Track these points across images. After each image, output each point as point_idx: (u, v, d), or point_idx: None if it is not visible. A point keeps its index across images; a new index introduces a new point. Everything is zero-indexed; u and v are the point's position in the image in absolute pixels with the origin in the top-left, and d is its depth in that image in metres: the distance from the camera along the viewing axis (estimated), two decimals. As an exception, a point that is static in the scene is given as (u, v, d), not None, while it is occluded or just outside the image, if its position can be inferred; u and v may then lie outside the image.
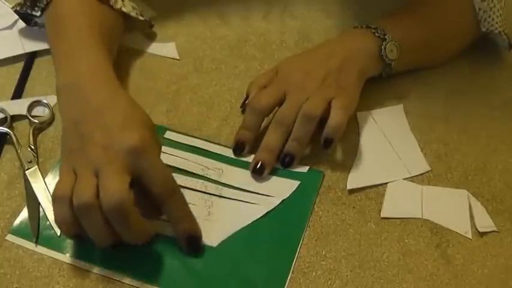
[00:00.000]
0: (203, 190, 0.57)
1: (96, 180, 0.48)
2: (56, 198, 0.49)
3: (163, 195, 0.50)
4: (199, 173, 0.58)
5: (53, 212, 0.49)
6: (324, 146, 0.57)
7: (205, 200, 0.56)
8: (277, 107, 0.59)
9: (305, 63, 0.62)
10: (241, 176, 0.58)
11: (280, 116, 0.58)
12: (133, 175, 0.49)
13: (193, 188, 0.57)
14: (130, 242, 0.50)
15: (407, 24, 0.65)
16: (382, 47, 0.62)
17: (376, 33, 0.62)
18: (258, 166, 0.58)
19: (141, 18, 0.67)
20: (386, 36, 0.62)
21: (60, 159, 0.52)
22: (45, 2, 0.62)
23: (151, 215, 0.52)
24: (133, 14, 0.65)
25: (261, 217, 0.55)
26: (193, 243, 0.52)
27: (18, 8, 0.65)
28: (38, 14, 0.63)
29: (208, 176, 0.58)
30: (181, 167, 0.58)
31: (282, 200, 0.57)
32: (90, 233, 0.49)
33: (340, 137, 0.57)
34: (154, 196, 0.50)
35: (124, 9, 0.64)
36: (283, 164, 0.59)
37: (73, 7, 0.60)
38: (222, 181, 0.58)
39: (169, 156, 0.59)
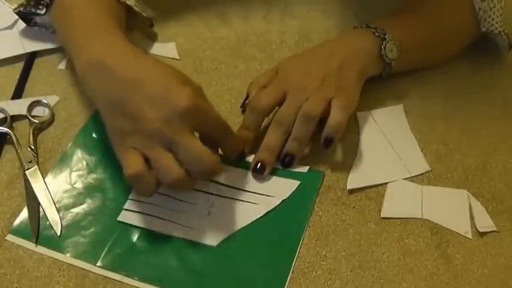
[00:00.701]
0: (203, 189, 0.57)
1: (171, 153, 0.50)
2: (134, 177, 0.50)
3: (222, 135, 0.55)
4: (200, 173, 0.58)
5: (134, 190, 0.55)
6: (324, 145, 0.57)
7: (205, 200, 0.56)
8: (277, 107, 0.59)
9: (305, 63, 0.62)
10: (241, 176, 0.58)
11: (280, 115, 0.58)
12: (195, 130, 0.52)
13: (194, 187, 0.57)
14: None
15: (407, 23, 0.65)
16: (382, 46, 0.62)
17: (376, 33, 0.62)
18: (258, 166, 0.58)
19: (143, 14, 0.67)
20: (386, 36, 0.62)
21: (114, 145, 0.52)
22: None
23: None
24: (136, 8, 0.65)
25: (261, 217, 0.55)
26: (243, 157, 0.59)
27: (21, 9, 0.65)
28: (43, 12, 0.63)
29: (208, 176, 0.58)
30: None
31: (282, 200, 0.57)
32: (177, 190, 0.56)
33: (340, 136, 0.57)
34: (212, 137, 0.54)
35: (128, 2, 0.64)
36: (283, 164, 0.59)
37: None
38: (222, 181, 0.58)
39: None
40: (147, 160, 0.50)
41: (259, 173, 0.58)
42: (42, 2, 0.63)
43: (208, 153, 0.50)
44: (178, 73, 0.53)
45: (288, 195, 0.57)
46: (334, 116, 0.57)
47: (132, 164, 0.50)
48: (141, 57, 0.54)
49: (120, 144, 0.51)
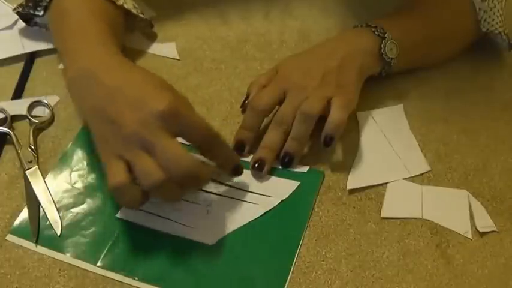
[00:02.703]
0: (202, 188, 0.57)
1: (151, 156, 0.48)
2: (115, 188, 0.49)
3: (207, 145, 0.52)
4: (199, 172, 0.58)
5: (117, 201, 0.53)
6: (324, 144, 0.57)
7: (204, 199, 0.56)
8: (277, 107, 0.59)
9: (305, 63, 0.62)
10: (241, 176, 0.58)
11: (280, 115, 0.58)
12: (176, 135, 0.50)
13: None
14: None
15: (407, 23, 0.65)
16: (382, 45, 0.62)
17: (375, 32, 0.62)
18: (257, 164, 0.58)
19: (142, 16, 0.67)
20: (386, 35, 0.62)
21: (99, 153, 0.51)
22: (47, 0, 0.62)
23: None
24: (134, 11, 0.65)
25: (261, 217, 0.55)
26: (238, 171, 0.56)
27: (20, 10, 0.65)
28: (41, 13, 0.63)
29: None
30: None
31: (282, 200, 0.57)
32: (165, 200, 0.52)
33: (340, 135, 0.57)
34: (201, 148, 0.52)
35: (126, 6, 0.64)
36: (283, 163, 0.59)
37: (75, 3, 0.60)
38: (222, 180, 0.58)
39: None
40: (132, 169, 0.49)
41: (258, 170, 0.58)
42: (40, 4, 0.63)
43: (186, 155, 0.48)
44: (160, 80, 0.53)
45: (288, 195, 0.57)
46: (334, 114, 0.57)
47: (114, 174, 0.49)
48: (126, 66, 0.54)
49: (104, 151, 0.51)
